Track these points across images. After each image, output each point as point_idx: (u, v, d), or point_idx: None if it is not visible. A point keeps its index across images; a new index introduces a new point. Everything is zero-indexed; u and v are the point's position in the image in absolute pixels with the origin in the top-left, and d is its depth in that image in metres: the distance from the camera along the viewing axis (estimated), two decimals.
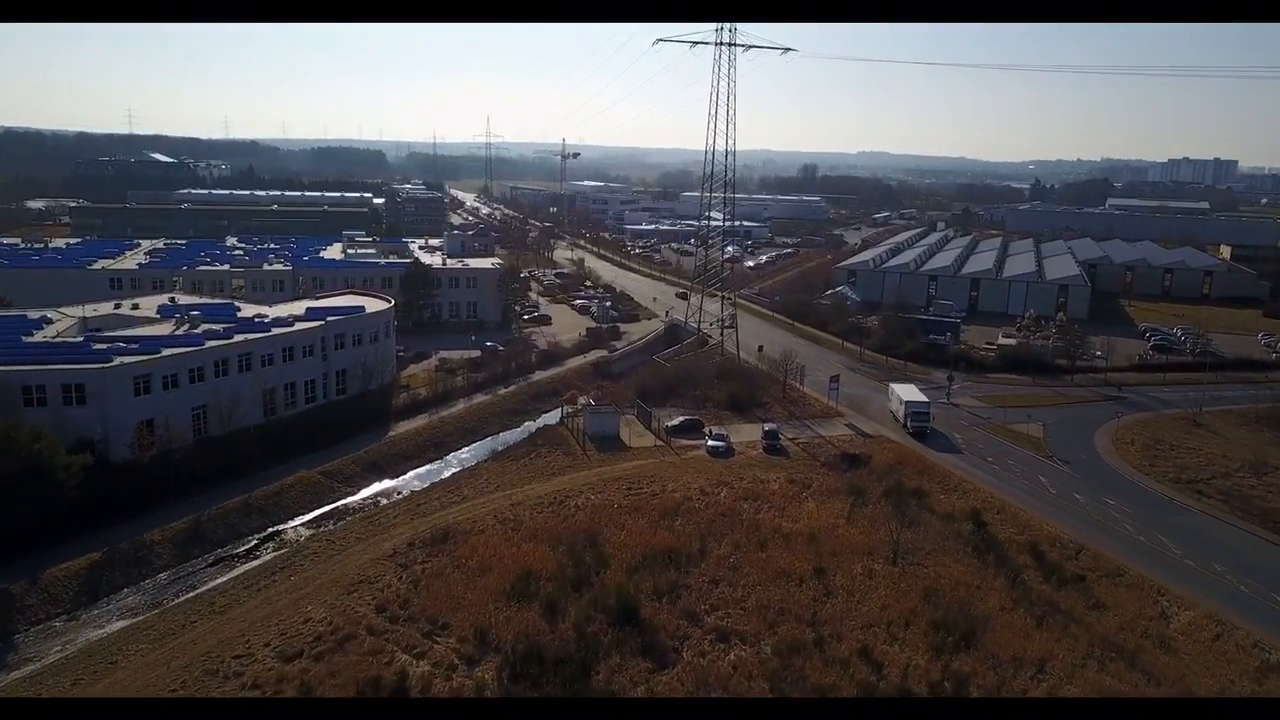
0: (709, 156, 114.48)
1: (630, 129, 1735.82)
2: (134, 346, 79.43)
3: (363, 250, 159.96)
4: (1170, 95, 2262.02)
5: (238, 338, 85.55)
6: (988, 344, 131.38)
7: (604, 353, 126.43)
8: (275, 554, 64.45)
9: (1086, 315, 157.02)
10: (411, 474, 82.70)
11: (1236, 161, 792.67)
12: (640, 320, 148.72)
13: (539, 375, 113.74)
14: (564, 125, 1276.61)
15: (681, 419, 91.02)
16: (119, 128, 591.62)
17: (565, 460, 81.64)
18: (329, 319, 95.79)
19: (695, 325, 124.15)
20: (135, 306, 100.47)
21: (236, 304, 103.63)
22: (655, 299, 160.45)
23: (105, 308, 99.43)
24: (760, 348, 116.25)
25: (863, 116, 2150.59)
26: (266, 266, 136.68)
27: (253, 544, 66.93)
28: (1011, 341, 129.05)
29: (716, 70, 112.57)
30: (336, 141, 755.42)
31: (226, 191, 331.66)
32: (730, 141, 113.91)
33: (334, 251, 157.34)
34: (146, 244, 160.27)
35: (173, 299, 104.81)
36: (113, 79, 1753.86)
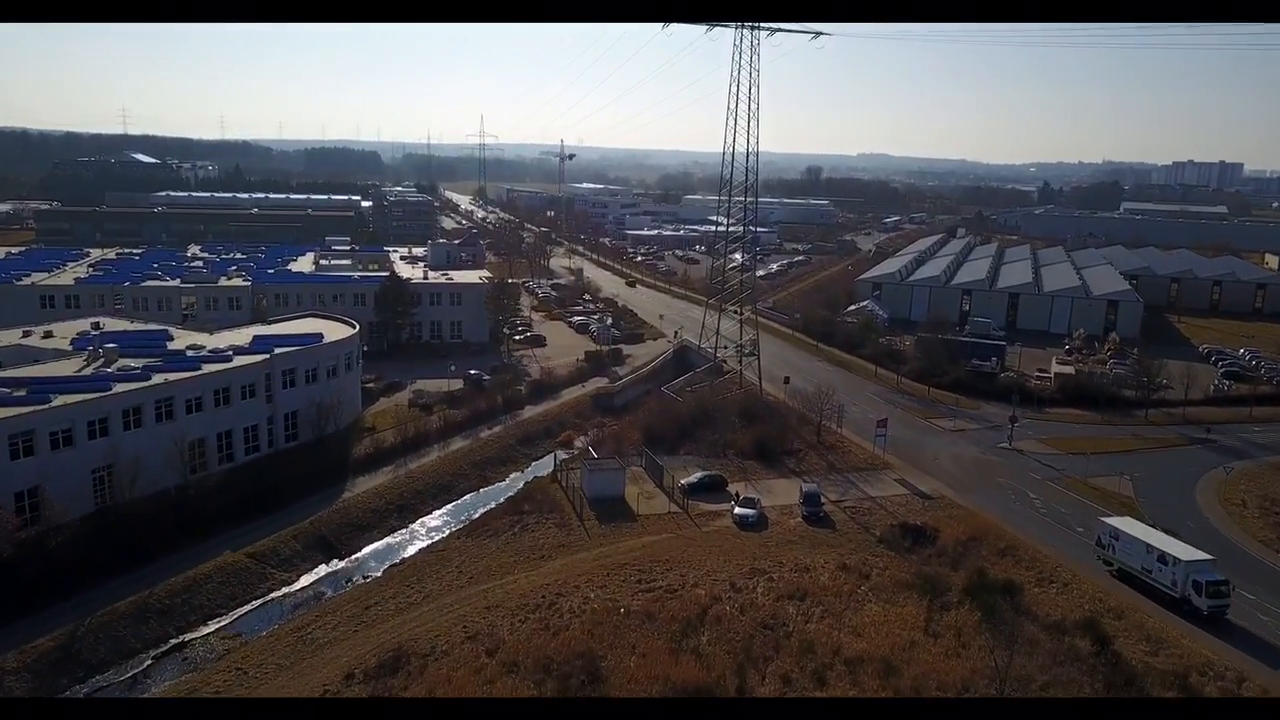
0: (729, 156, 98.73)
1: (628, 129, 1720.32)
2: (19, 394, 63.57)
3: (337, 261, 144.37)
4: (1168, 98, 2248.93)
5: (157, 378, 69.63)
6: (1040, 372, 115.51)
7: (604, 381, 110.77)
8: (168, 685, 48.48)
9: (1139, 334, 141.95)
10: (368, 550, 66.87)
11: (1242, 164, 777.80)
12: (645, 340, 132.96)
13: (529, 411, 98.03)
14: (562, 126, 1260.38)
15: (700, 475, 75.11)
16: (114, 128, 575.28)
17: (558, 534, 65.64)
18: (277, 351, 79.96)
19: (711, 350, 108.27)
20: (48, 335, 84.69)
21: (171, 331, 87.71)
22: (662, 316, 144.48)
23: (11, 336, 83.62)
24: (787, 379, 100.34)
25: (861, 118, 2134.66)
26: (224, 281, 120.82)
27: (146, 665, 51.03)
28: (1069, 369, 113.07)
29: (738, 58, 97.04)
30: (333, 142, 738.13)
31: (208, 194, 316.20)
32: (753, 139, 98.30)
33: (304, 263, 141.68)
34: (96, 254, 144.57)
35: (98, 325, 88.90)
36: (110, 80, 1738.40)
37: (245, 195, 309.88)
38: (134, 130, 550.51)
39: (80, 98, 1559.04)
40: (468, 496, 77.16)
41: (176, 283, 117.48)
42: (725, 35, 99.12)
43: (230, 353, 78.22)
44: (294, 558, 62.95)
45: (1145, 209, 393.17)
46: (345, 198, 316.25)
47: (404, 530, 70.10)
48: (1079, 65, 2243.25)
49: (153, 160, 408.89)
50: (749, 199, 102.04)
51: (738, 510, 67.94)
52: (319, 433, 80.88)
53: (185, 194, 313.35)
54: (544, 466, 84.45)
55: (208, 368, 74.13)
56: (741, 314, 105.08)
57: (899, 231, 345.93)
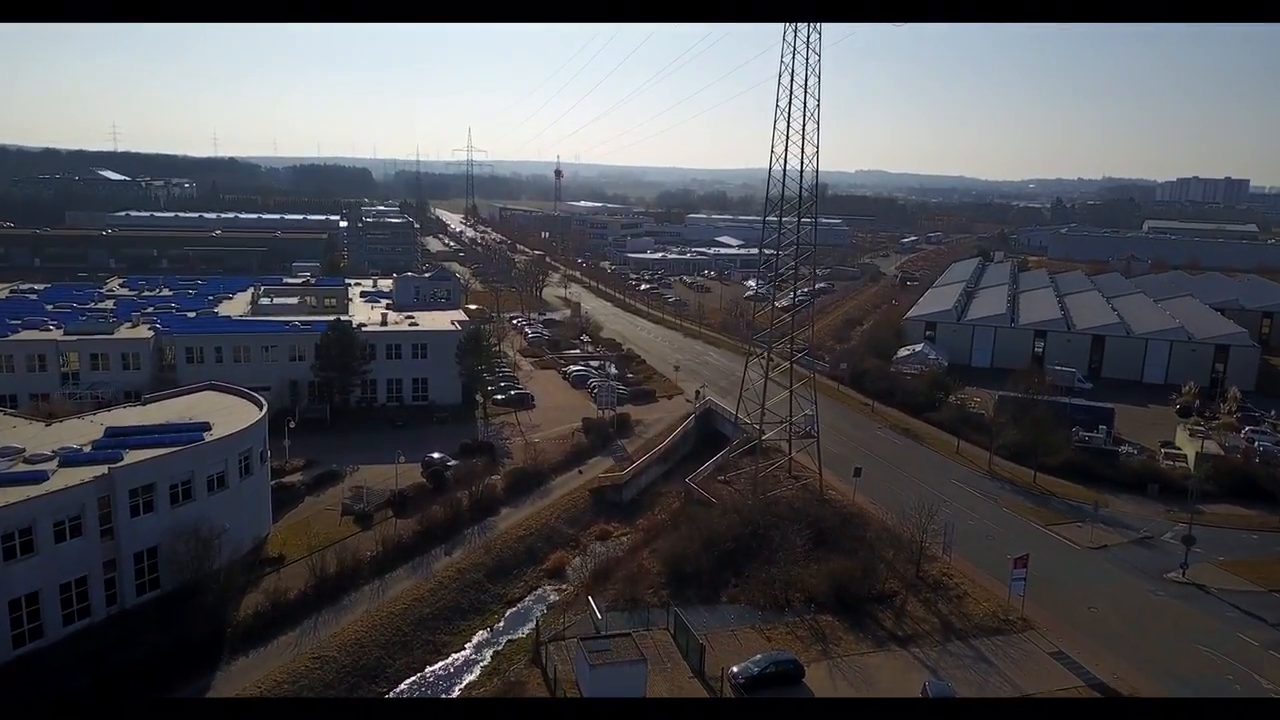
0: (780, 166, 72.94)
1: (625, 145, 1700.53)
2: None
3: (280, 300, 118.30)
4: (1166, 113, 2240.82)
5: None
6: (1167, 447, 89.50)
7: (609, 462, 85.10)
8: None
9: (1254, 386, 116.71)
10: None
11: (1248, 181, 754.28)
12: (658, 399, 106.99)
13: (507, 517, 71.91)
14: (557, 139, 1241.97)
15: (762, 661, 48.72)
16: (103, 145, 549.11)
17: None
18: (127, 459, 53.80)
19: (748, 421, 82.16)
20: None
21: None
22: (677, 367, 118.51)
23: None
24: (858, 470, 74.10)
25: (858, 134, 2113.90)
26: (123, 331, 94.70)
27: None
28: (1213, 445, 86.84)
29: (793, 53, 71.54)
30: (326, 159, 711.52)
31: (171, 215, 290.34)
32: (809, 149, 72.80)
33: (240, 302, 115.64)
34: None
35: None
36: (103, 97, 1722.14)
37: (212, 216, 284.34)
38: (123, 147, 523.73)
39: (73, 115, 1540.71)
40: (405, 685, 50.80)
41: (58, 335, 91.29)
42: (729, 38, 73.96)
43: (50, 467, 52.11)
44: None
45: (1173, 227, 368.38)
46: (323, 218, 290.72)
47: None
48: (1076, 80, 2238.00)
49: (121, 177, 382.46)
50: (803, 222, 76.47)
51: None
52: (196, 573, 54.63)
53: (147, 214, 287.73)
54: (524, 617, 58.55)
55: (1, 495, 48.06)
56: (793, 381, 78.71)
57: (918, 253, 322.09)
